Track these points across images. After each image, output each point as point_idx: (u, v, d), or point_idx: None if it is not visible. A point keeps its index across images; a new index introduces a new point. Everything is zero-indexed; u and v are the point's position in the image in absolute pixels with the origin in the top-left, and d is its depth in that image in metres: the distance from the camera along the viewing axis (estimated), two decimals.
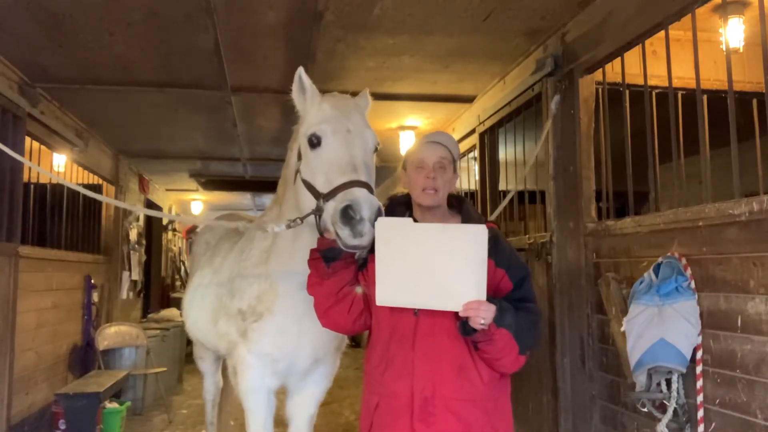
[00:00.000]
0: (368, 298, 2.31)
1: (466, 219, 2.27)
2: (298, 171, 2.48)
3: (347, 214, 2.10)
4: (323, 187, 2.26)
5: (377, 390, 2.24)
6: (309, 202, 2.34)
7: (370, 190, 2.19)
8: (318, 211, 2.26)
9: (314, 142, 2.36)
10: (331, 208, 2.18)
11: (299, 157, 2.49)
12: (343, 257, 2.24)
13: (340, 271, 2.26)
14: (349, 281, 2.30)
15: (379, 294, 2.10)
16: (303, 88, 2.55)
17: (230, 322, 3.07)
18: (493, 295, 2.13)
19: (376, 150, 2.45)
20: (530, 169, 4.58)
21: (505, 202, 4.62)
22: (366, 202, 2.11)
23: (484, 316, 1.97)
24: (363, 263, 2.33)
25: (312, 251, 2.33)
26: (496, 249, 2.16)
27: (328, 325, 2.41)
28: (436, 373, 2.11)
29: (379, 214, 2.13)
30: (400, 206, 2.38)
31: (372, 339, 2.35)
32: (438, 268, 2.01)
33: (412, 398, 2.12)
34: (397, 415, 2.14)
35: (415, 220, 2.30)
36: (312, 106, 2.50)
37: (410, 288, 2.06)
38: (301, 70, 2.55)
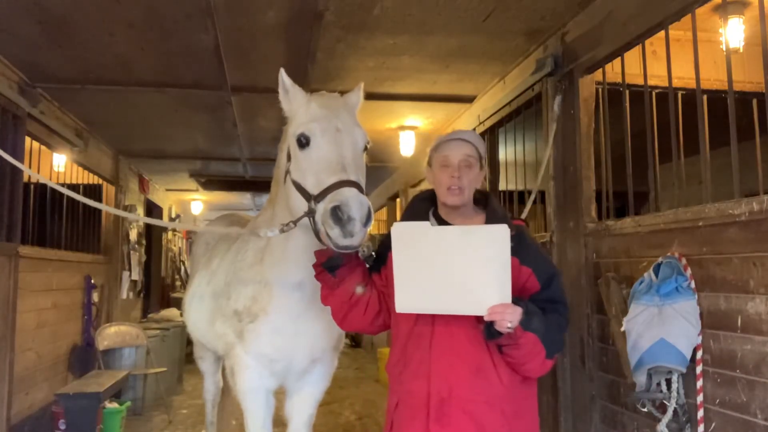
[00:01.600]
0: (385, 297, 2.28)
1: (491, 216, 2.20)
2: (287, 172, 2.46)
3: (336, 215, 2.08)
4: (313, 189, 2.24)
5: (396, 389, 2.23)
6: (300, 204, 2.33)
7: (360, 190, 2.17)
8: (310, 213, 2.24)
9: (303, 142, 2.34)
10: (322, 208, 2.16)
11: (288, 158, 2.47)
12: (347, 263, 2.23)
13: (346, 277, 2.25)
14: (359, 284, 2.28)
15: (399, 301, 2.05)
16: (285, 89, 2.54)
17: (227, 323, 3.06)
18: (518, 295, 2.07)
19: (366, 149, 2.42)
20: (535, 169, 4.56)
21: (530, 202, 4.57)
22: (355, 201, 2.08)
23: (510, 319, 1.91)
24: (378, 259, 2.31)
25: (314, 266, 2.33)
26: (520, 247, 2.10)
27: (348, 329, 2.44)
28: (452, 374, 2.08)
29: (369, 213, 2.10)
30: (424, 202, 2.33)
31: (392, 338, 2.33)
32: (459, 272, 1.94)
33: (428, 398, 2.09)
34: (414, 415, 2.12)
35: (440, 217, 2.26)
36: (300, 106, 2.48)
37: (431, 294, 2.00)
38: (281, 72, 2.54)
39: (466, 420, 2.05)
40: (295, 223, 2.34)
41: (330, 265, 2.23)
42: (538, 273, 2.12)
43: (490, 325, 1.94)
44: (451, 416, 2.06)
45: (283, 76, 2.53)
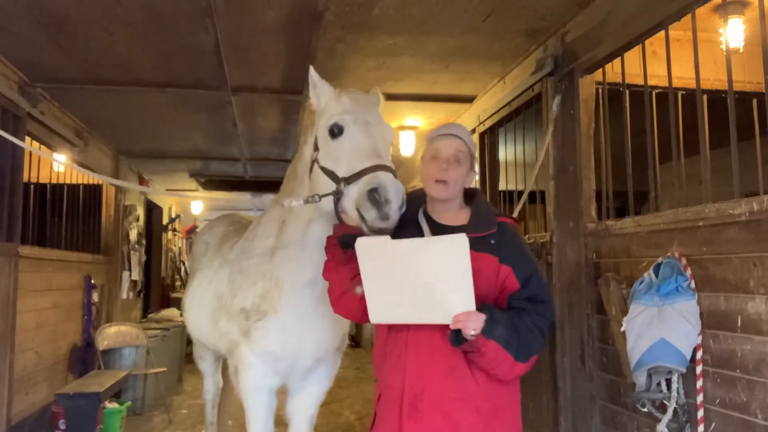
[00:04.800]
0: None
1: (475, 212, 2.24)
2: (315, 161, 2.48)
3: (374, 197, 2.11)
4: (345, 172, 2.27)
5: (379, 382, 2.27)
6: (328, 188, 2.34)
7: (395, 175, 2.20)
8: (338, 194, 2.26)
9: (335, 132, 2.38)
10: (354, 191, 2.19)
11: (316, 148, 2.50)
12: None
13: (356, 257, 2.25)
14: (360, 285, 2.29)
15: (372, 313, 2.11)
16: (313, 84, 2.60)
17: (231, 322, 3.07)
18: (499, 293, 2.11)
19: (391, 144, 2.48)
20: (537, 170, 4.56)
21: (520, 203, 4.59)
22: (392, 184, 2.12)
23: (473, 327, 1.94)
24: None
25: (329, 238, 2.34)
26: (501, 245, 2.13)
27: (339, 311, 2.40)
28: (426, 370, 2.10)
29: (404, 197, 2.14)
30: (413, 201, 2.36)
31: (375, 332, 2.37)
32: (423, 282, 1.99)
33: (402, 392, 2.12)
34: (390, 408, 2.15)
35: (429, 216, 2.29)
36: (330, 99, 2.53)
37: (400, 305, 2.06)
38: (311, 68, 2.61)
39: (439, 416, 2.07)
40: (320, 197, 2.36)
41: (345, 241, 2.24)
42: (517, 271, 2.13)
43: (458, 331, 1.97)
44: (423, 411, 2.08)
45: (311, 72, 2.59)
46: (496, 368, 2.05)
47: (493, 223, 2.19)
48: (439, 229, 2.21)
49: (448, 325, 2.03)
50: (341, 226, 2.29)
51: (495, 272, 2.11)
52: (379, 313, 2.11)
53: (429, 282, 1.98)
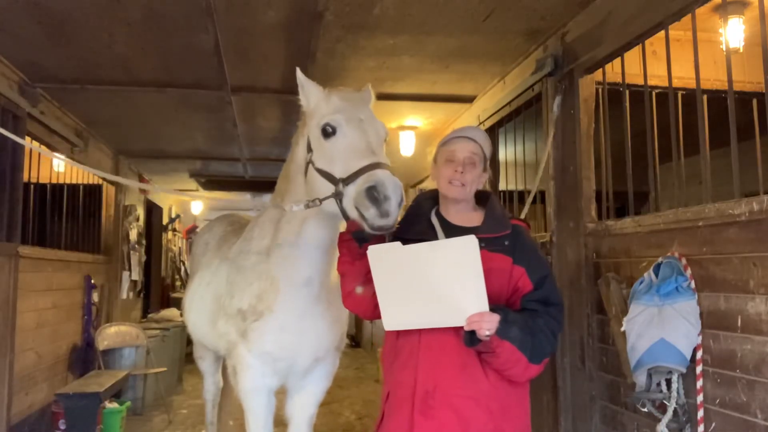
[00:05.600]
0: None
1: (489, 214, 2.25)
2: (309, 162, 2.47)
3: (372, 195, 2.09)
4: (342, 173, 2.26)
5: (388, 380, 2.26)
6: (326, 190, 2.33)
7: (392, 172, 2.19)
8: (338, 195, 2.25)
9: (328, 131, 2.37)
10: (353, 191, 2.17)
11: (309, 150, 2.49)
12: (375, 238, 2.23)
13: None
14: (359, 285, 2.28)
15: (386, 320, 2.11)
16: (301, 85, 2.59)
17: (230, 323, 3.06)
18: (511, 294, 2.12)
19: (385, 140, 2.47)
20: (540, 172, 4.55)
21: (528, 203, 4.58)
22: (390, 181, 2.11)
23: (488, 327, 1.95)
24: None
25: (342, 234, 2.34)
26: (515, 246, 2.14)
27: (349, 306, 2.39)
28: (438, 367, 2.10)
29: (402, 193, 2.13)
30: (427, 201, 2.38)
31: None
32: (436, 286, 1.99)
33: (414, 389, 2.12)
34: (400, 405, 2.15)
35: (442, 216, 2.29)
36: (320, 99, 2.52)
37: (414, 310, 2.06)
38: (297, 70, 2.59)
39: (451, 414, 2.07)
40: (320, 201, 2.35)
41: (360, 236, 2.23)
42: (531, 273, 2.14)
43: (472, 332, 1.97)
44: (435, 408, 2.08)
45: (298, 74, 2.58)
46: (511, 369, 2.05)
47: (507, 224, 2.21)
48: (452, 230, 2.22)
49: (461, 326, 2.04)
50: (354, 222, 2.28)
51: (508, 273, 2.12)
52: (393, 322, 2.12)
53: (441, 285, 1.99)
